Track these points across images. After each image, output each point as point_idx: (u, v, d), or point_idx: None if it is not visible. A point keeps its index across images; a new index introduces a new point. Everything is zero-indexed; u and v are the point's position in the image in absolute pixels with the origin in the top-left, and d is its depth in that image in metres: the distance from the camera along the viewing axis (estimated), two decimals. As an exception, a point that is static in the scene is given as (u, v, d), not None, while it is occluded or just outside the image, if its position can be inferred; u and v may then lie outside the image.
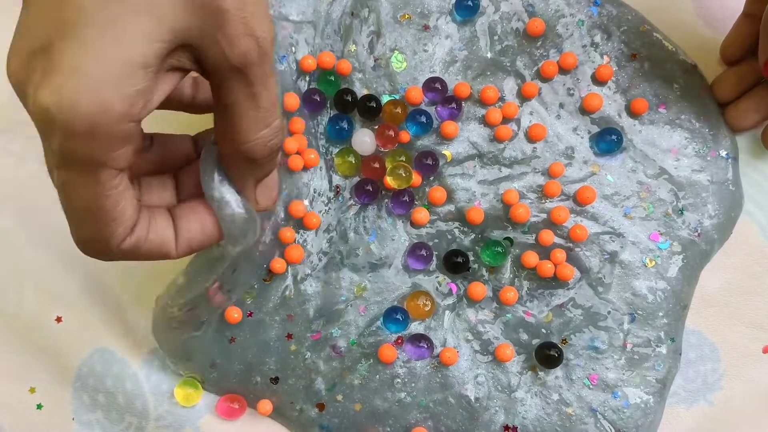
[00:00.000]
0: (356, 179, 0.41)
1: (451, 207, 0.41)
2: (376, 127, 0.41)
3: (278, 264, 0.40)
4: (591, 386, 0.40)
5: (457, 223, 0.41)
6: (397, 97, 0.42)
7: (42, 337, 0.42)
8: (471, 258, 0.41)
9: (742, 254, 0.42)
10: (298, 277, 0.41)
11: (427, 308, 0.40)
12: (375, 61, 0.42)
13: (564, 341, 0.40)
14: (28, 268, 0.42)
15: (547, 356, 0.39)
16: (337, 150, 0.41)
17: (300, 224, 0.41)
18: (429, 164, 0.41)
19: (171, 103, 0.33)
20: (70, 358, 0.42)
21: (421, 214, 0.41)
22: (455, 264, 0.40)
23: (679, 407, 0.42)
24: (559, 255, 0.40)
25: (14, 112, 0.44)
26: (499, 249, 0.40)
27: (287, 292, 0.41)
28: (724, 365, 0.42)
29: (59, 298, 0.42)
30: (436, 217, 0.41)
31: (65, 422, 0.42)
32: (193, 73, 0.29)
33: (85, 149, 0.25)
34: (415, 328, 0.41)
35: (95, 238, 0.28)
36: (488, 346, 0.41)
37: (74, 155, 0.25)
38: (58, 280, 0.42)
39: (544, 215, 0.41)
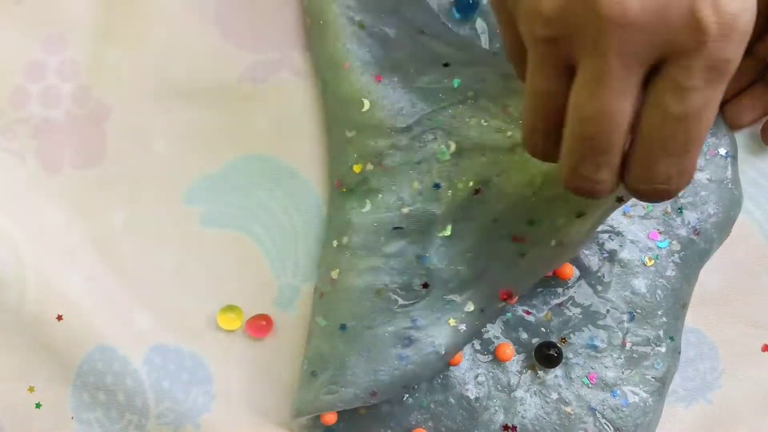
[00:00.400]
0: None
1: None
2: None
3: None
4: (590, 385, 0.40)
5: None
6: None
7: (42, 336, 0.42)
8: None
9: (741, 253, 0.42)
10: None
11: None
12: None
13: (563, 340, 0.40)
14: (29, 266, 0.42)
15: (546, 356, 0.40)
16: None
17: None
18: None
19: None
20: (70, 357, 0.42)
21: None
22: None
23: (678, 406, 0.42)
24: (559, 254, 0.40)
25: (14, 111, 0.44)
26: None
27: None
28: (723, 364, 0.42)
29: (60, 296, 0.42)
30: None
31: (65, 421, 0.42)
32: None
33: (738, 55, 0.26)
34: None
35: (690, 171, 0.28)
36: (489, 345, 0.41)
37: (730, 64, 0.26)
38: (58, 278, 0.42)
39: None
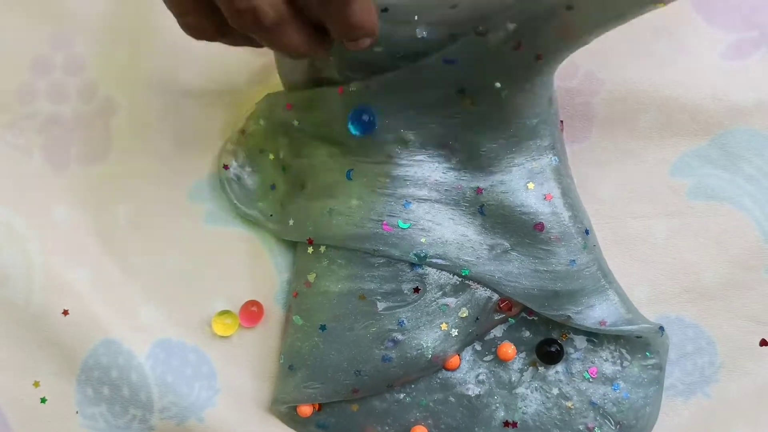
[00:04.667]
0: None
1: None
2: None
3: None
4: (591, 379, 0.40)
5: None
6: None
7: (48, 331, 0.42)
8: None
9: (738, 248, 0.42)
10: None
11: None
12: None
13: (564, 335, 0.40)
14: (35, 261, 0.43)
15: (547, 353, 0.40)
16: None
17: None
18: None
19: None
20: (75, 351, 0.42)
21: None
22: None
23: (677, 400, 0.42)
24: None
25: (21, 106, 0.44)
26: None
27: None
28: (721, 358, 0.42)
29: (66, 291, 0.42)
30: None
31: (69, 416, 0.43)
32: None
33: None
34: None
35: None
36: (490, 346, 0.41)
37: None
38: (64, 273, 0.43)
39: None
